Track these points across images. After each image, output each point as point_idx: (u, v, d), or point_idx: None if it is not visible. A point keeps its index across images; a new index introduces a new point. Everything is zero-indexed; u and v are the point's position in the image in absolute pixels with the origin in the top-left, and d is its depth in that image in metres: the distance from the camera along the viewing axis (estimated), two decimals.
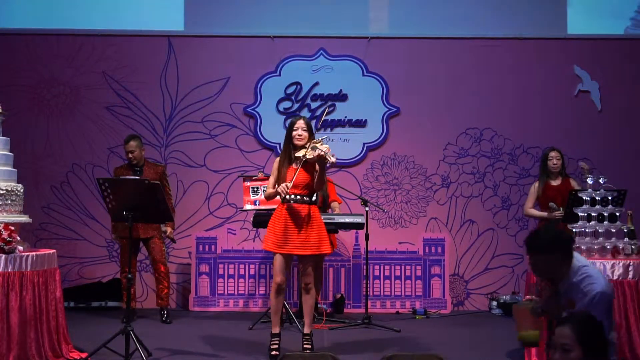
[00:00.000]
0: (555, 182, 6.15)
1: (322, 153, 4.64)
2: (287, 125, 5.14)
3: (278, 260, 4.88)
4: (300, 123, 4.90)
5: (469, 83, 7.53)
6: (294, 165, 4.87)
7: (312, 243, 4.84)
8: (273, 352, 4.81)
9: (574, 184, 6.15)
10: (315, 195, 4.96)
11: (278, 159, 4.99)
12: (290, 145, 4.90)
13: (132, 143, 6.36)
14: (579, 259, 3.24)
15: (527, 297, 3.40)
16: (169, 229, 6.46)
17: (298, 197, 4.85)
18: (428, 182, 7.49)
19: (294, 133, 4.87)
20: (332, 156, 4.67)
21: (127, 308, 4.91)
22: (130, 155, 6.36)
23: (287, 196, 4.80)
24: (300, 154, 4.81)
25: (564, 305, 3.15)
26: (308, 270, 4.94)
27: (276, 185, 4.87)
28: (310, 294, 4.98)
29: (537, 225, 6.41)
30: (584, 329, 2.59)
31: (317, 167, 4.82)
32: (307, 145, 4.82)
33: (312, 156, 4.72)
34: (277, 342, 4.87)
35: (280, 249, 4.85)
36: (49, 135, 7.43)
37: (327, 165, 4.77)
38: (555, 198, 6.09)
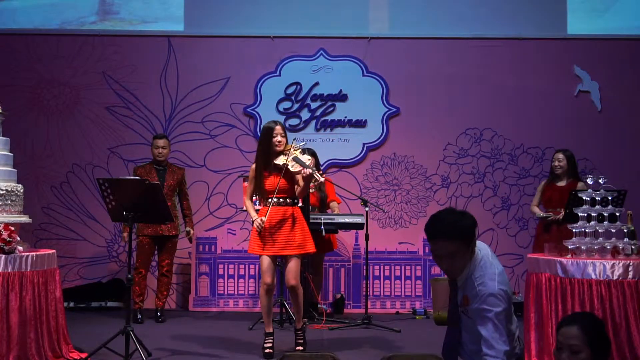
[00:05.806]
0: (561, 184, 6.19)
1: (310, 171, 4.72)
2: (261, 131, 5.15)
3: (265, 261, 4.96)
4: (279, 129, 4.96)
5: (469, 83, 7.52)
6: (275, 173, 4.95)
7: (297, 243, 4.94)
8: (267, 351, 4.91)
9: (580, 185, 6.00)
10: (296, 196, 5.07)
11: (254, 166, 5.02)
12: (269, 152, 4.94)
13: (166, 140, 6.51)
14: (481, 247, 2.92)
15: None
16: (192, 230, 6.54)
17: (281, 200, 4.96)
18: (428, 182, 7.49)
19: (274, 140, 4.93)
20: (322, 176, 4.80)
21: (128, 308, 4.91)
22: (163, 151, 6.42)
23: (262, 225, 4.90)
24: (280, 161, 4.90)
25: (460, 303, 2.84)
26: (293, 271, 4.96)
27: (253, 197, 5.09)
28: (297, 293, 5.00)
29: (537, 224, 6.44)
30: (592, 330, 2.52)
31: (297, 178, 4.93)
32: (285, 151, 4.92)
33: (295, 170, 4.83)
34: (270, 341, 4.96)
35: (266, 250, 4.95)
36: (49, 135, 7.43)
37: (314, 183, 4.85)
38: (551, 199, 6.13)
